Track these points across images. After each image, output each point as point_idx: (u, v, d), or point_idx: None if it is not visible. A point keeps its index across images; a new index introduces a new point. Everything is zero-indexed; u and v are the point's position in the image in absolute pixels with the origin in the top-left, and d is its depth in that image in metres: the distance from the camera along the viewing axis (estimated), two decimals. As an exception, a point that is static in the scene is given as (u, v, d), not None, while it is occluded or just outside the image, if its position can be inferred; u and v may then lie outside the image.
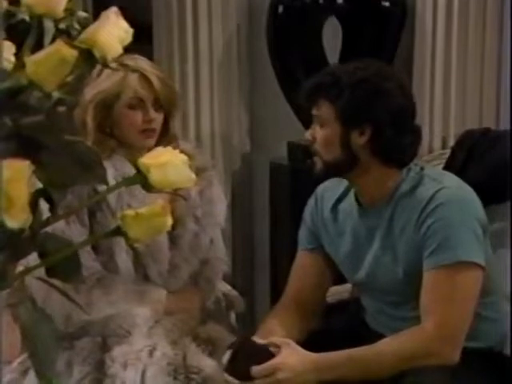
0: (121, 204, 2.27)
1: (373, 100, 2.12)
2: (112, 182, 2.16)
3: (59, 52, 0.95)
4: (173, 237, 2.40)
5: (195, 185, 2.30)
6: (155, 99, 2.35)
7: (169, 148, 1.09)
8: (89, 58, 1.04)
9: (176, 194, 2.09)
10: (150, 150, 1.10)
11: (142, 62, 2.36)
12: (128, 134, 2.35)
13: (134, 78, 2.32)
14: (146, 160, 1.07)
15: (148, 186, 1.08)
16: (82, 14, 1.10)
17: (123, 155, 2.34)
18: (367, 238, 2.24)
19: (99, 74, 2.29)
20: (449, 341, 2.05)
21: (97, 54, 1.04)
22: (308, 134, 2.23)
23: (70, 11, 1.08)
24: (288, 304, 2.34)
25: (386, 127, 2.13)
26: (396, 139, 2.15)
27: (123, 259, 2.32)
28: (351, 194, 2.30)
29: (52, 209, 1.05)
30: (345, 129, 2.15)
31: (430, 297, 2.08)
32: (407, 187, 2.18)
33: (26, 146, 0.96)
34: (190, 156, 2.59)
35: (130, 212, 1.07)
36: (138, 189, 1.10)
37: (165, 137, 2.38)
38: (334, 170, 2.22)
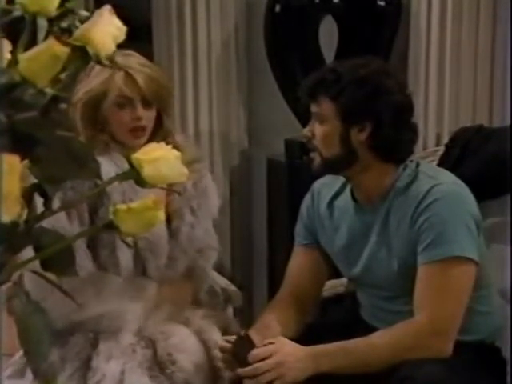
0: (122, 198, 2.25)
1: (374, 97, 2.13)
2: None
3: (51, 49, 0.97)
4: (171, 230, 2.39)
5: (188, 178, 2.31)
6: (143, 97, 2.31)
7: (162, 143, 1.11)
8: (83, 55, 1.05)
9: (173, 190, 2.10)
10: (142, 147, 1.12)
11: (130, 60, 2.30)
12: (118, 132, 2.32)
13: (119, 77, 2.27)
14: (139, 155, 1.09)
15: (141, 181, 1.09)
16: (83, 13, 1.11)
17: (119, 152, 2.31)
18: (363, 234, 2.25)
19: (89, 73, 2.26)
20: (441, 334, 2.07)
21: (90, 51, 1.05)
22: (307, 131, 2.23)
23: (71, 10, 1.09)
24: (285, 299, 2.35)
25: (385, 124, 2.14)
26: (395, 136, 2.16)
27: (124, 254, 2.31)
28: (347, 191, 2.32)
29: (46, 203, 1.06)
30: (345, 125, 2.15)
31: (423, 291, 2.09)
32: (403, 183, 2.19)
33: (20, 141, 0.97)
34: (180, 148, 2.56)
35: (122, 206, 1.08)
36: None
37: (158, 133, 2.35)
38: (332, 167, 2.23)
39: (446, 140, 2.88)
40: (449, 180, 2.19)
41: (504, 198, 2.44)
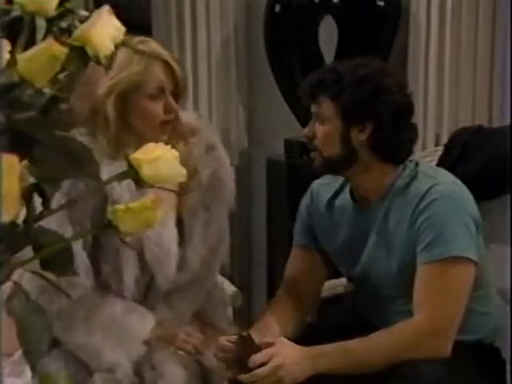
0: None
1: (374, 97, 2.13)
2: (107, 189, 2.10)
3: (49, 49, 0.97)
4: (184, 231, 2.25)
5: (207, 167, 2.21)
6: (174, 87, 2.14)
7: (160, 144, 1.11)
8: (82, 56, 1.05)
9: (180, 191, 2.05)
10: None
11: (157, 47, 2.14)
12: (148, 126, 2.12)
13: (157, 66, 2.10)
14: (138, 155, 1.09)
15: (140, 181, 1.09)
16: (83, 13, 1.11)
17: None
18: (362, 234, 2.26)
19: (110, 65, 2.05)
20: (440, 334, 2.07)
21: (89, 51, 1.05)
22: (307, 131, 2.23)
23: (70, 10, 1.10)
24: (284, 298, 2.35)
25: (386, 124, 2.14)
26: (395, 136, 2.16)
27: (130, 269, 2.18)
28: (346, 190, 2.32)
29: (45, 203, 1.07)
30: (345, 125, 2.16)
31: (422, 291, 2.09)
32: (402, 183, 2.19)
33: (19, 141, 0.97)
34: (196, 130, 2.43)
35: (120, 206, 1.09)
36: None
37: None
38: (333, 167, 2.23)
39: (445, 140, 2.89)
40: (448, 180, 2.20)
41: (504, 198, 2.45)
